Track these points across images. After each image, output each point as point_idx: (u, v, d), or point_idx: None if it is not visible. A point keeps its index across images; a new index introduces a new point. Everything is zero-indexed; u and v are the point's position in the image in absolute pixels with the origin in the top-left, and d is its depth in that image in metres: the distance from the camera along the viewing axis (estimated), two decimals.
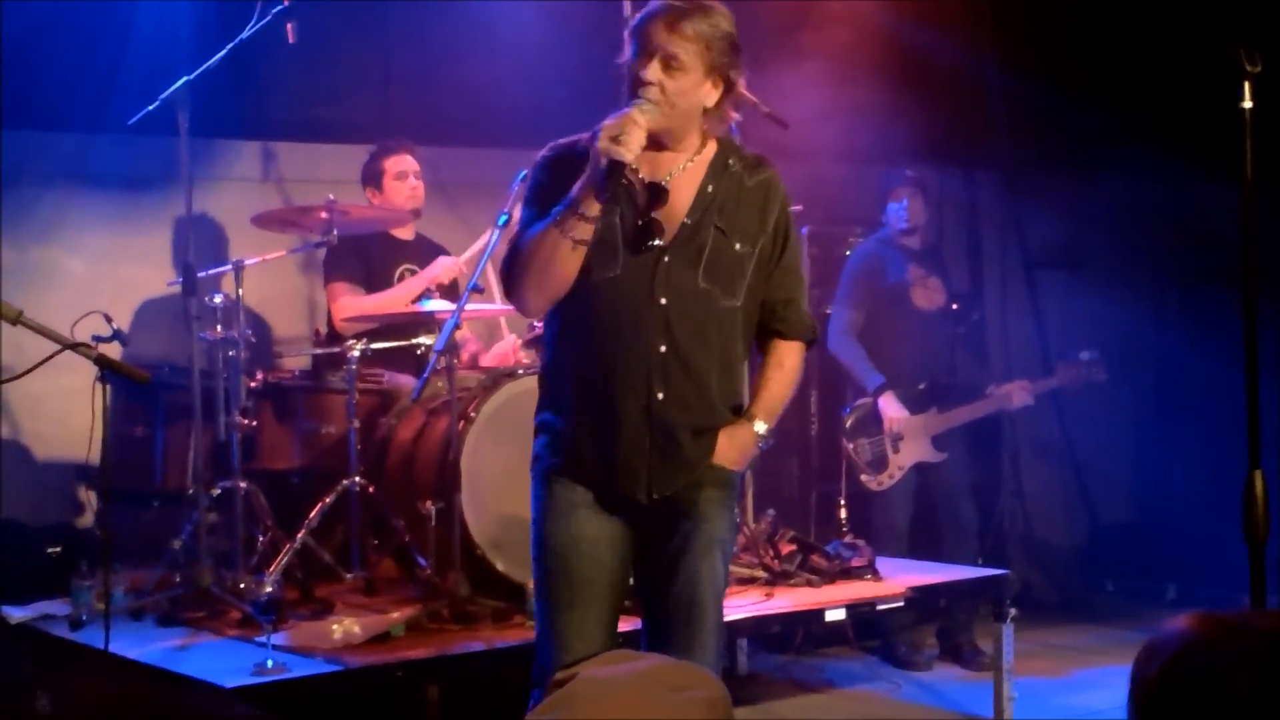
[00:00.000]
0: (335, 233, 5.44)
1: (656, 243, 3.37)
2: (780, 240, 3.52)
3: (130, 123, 5.32)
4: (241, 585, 5.02)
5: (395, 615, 4.83)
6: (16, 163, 6.13)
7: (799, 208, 6.37)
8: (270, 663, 4.31)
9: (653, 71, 3.30)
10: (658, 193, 3.38)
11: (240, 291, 5.33)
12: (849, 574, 5.54)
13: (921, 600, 5.64)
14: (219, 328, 5.27)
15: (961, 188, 8.55)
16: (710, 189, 3.43)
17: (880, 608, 5.45)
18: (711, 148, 3.48)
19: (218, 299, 5.30)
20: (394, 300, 5.80)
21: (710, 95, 3.38)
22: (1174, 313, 8.53)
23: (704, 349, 3.42)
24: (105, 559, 4.70)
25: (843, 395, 6.73)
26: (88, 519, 6.03)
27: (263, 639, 4.45)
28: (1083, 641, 7.00)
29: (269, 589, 4.84)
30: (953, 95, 7.92)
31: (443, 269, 5.89)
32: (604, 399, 3.39)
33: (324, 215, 5.42)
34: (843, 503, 6.63)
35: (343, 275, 5.90)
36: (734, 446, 3.45)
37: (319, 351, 5.62)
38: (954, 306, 6.82)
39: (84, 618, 4.92)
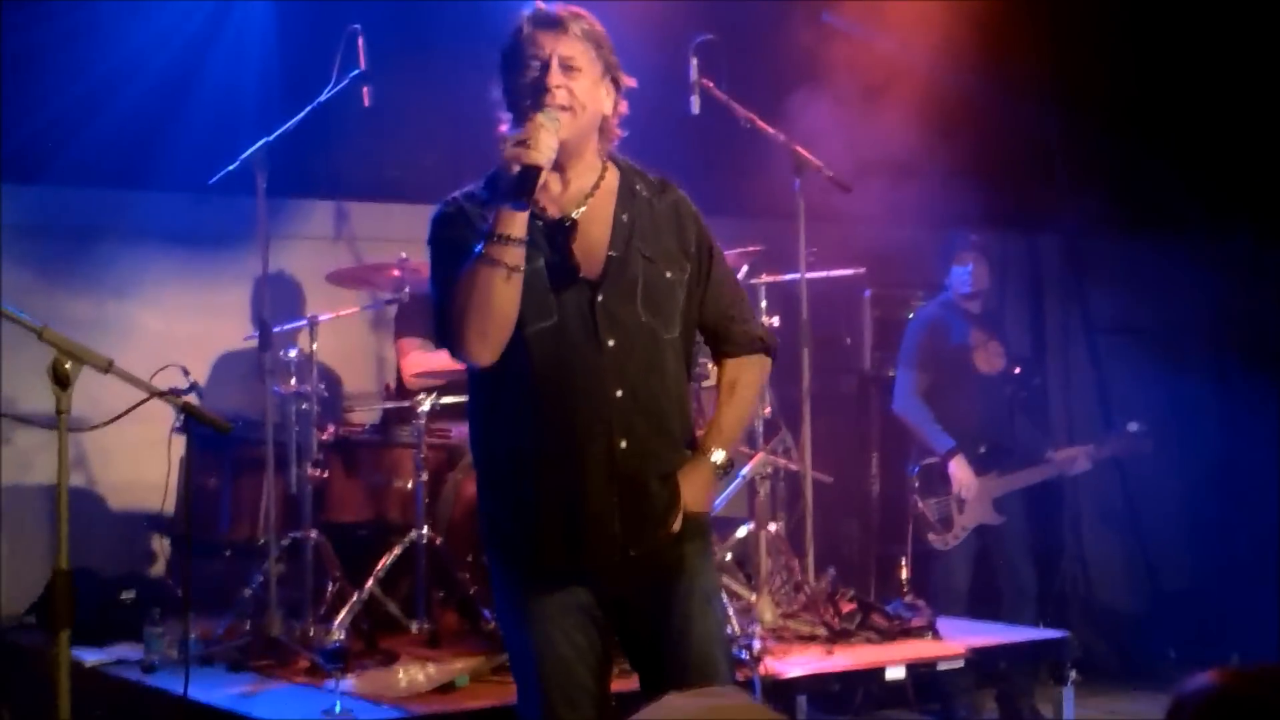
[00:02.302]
0: (407, 290, 5.56)
1: (582, 277, 3.19)
2: (705, 257, 3.35)
3: (210, 182, 5.46)
4: (309, 634, 5.11)
5: (460, 665, 4.90)
6: (96, 220, 6.31)
7: (862, 270, 6.52)
8: (339, 708, 4.39)
9: (555, 76, 3.15)
10: (567, 228, 3.21)
11: (314, 347, 5.45)
12: (909, 633, 5.56)
13: (981, 661, 5.64)
14: (292, 382, 5.39)
15: (1024, 253, 8.60)
16: (625, 217, 3.26)
17: (941, 667, 5.46)
18: (613, 174, 3.33)
19: (292, 354, 5.43)
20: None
21: (607, 100, 3.26)
22: (1236, 379, 8.52)
23: (661, 387, 3.24)
24: (185, 606, 4.79)
25: (905, 455, 6.76)
26: (159, 567, 6.16)
27: (330, 685, 4.54)
28: (1144, 709, 6.95)
29: (336, 638, 4.93)
30: (1016, 160, 7.98)
31: None
32: (561, 459, 3.16)
33: (396, 273, 5.55)
34: (904, 563, 6.65)
35: (413, 332, 6.01)
36: (696, 488, 3.27)
37: (388, 406, 5.74)
38: (1015, 371, 6.86)
39: (155, 663, 5.02)
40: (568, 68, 3.18)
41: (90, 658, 5.14)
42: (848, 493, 7.01)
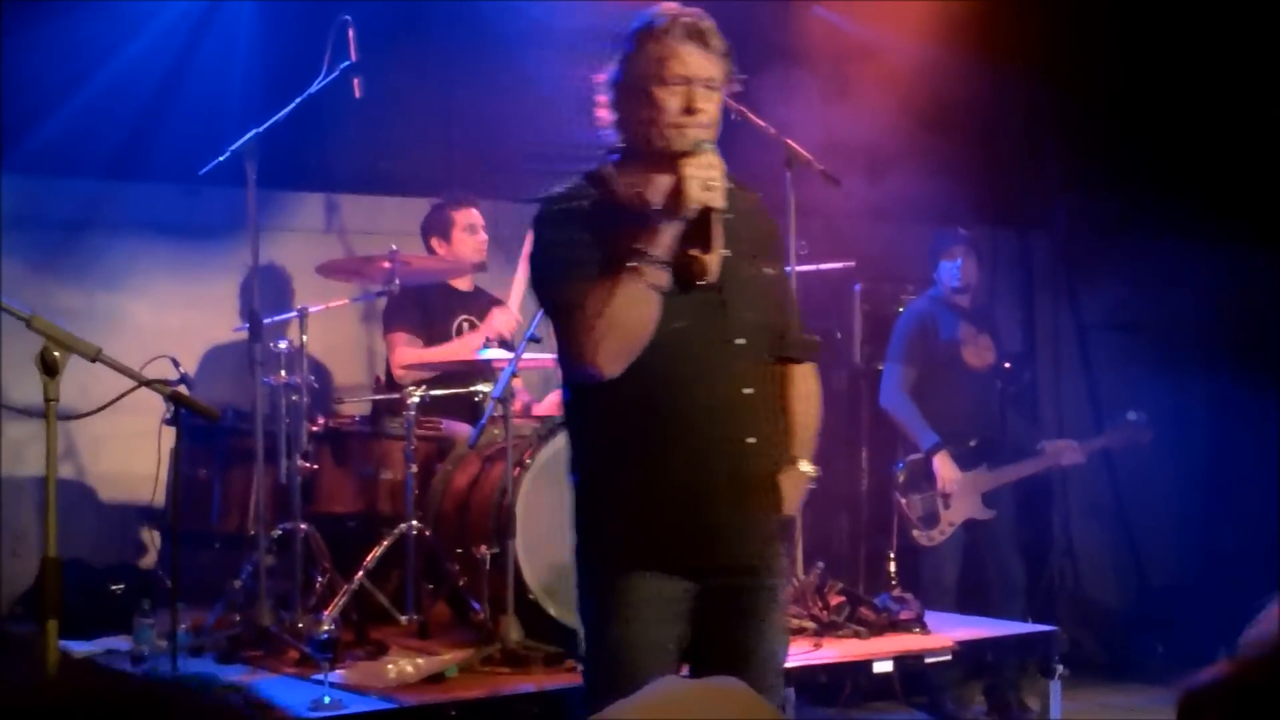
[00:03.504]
0: (397, 282, 5.57)
1: (709, 280, 3.20)
2: (782, 257, 3.45)
3: (201, 173, 5.45)
4: (299, 625, 5.12)
5: (449, 657, 4.92)
6: (86, 210, 6.31)
7: (852, 264, 6.53)
8: (327, 699, 4.40)
9: (704, 99, 3.16)
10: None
11: (304, 338, 5.46)
12: (897, 627, 5.58)
13: (969, 655, 5.66)
14: (282, 373, 5.40)
15: (1017, 248, 8.61)
16: (730, 217, 3.23)
17: (928, 660, 5.48)
18: None
19: (282, 345, 5.43)
20: (453, 352, 5.92)
21: None
22: (1226, 376, 8.53)
23: (774, 385, 3.32)
24: (174, 597, 4.79)
25: (894, 451, 6.78)
26: (150, 558, 6.16)
27: (320, 676, 4.55)
28: (1133, 702, 6.97)
29: (326, 629, 4.94)
30: (1009, 155, 8.00)
31: (502, 322, 6.00)
32: (691, 454, 3.18)
33: (386, 265, 5.56)
34: (892, 557, 6.66)
35: (402, 325, 6.02)
36: (793, 494, 3.31)
37: (378, 398, 5.75)
38: (1005, 365, 6.88)
39: (145, 653, 5.02)
40: (708, 88, 3.20)
41: (80, 648, 5.15)
42: (837, 487, 7.02)
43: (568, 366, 3.24)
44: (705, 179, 3.09)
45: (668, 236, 3.11)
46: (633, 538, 3.21)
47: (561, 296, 3.19)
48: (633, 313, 3.10)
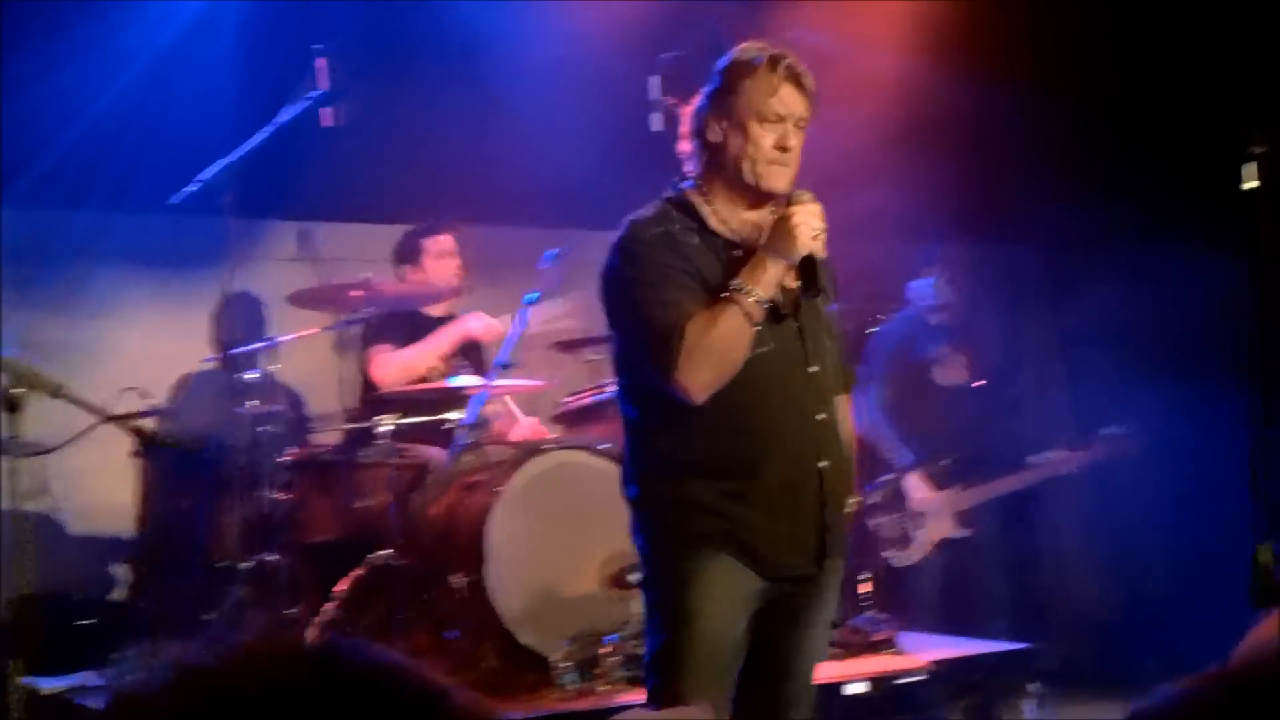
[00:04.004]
0: (372, 310, 5.57)
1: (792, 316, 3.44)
2: (836, 290, 3.63)
3: (171, 202, 5.45)
4: None
5: None
6: (72, 241, 6.31)
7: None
8: None
9: (795, 136, 3.38)
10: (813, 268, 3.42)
11: (276, 368, 5.45)
12: (872, 647, 5.57)
13: (946, 674, 5.65)
14: (255, 402, 5.39)
15: (1001, 264, 8.60)
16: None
17: (900, 681, 5.47)
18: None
19: (255, 375, 5.43)
20: (429, 353, 5.89)
21: None
22: (1213, 390, 8.51)
23: (840, 413, 3.55)
24: (154, 629, 4.78)
25: (872, 471, 6.77)
26: (125, 592, 6.14)
27: None
28: (1120, 716, 6.94)
29: None
30: (990, 169, 7.99)
31: (479, 323, 5.97)
32: (779, 468, 3.37)
33: (359, 294, 5.55)
34: (868, 578, 6.65)
35: (382, 341, 5.97)
36: (848, 519, 3.56)
37: (350, 426, 5.74)
38: (983, 383, 6.87)
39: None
40: (799, 127, 3.41)
41: (49, 685, 5.12)
42: None
43: (650, 384, 3.36)
44: (814, 227, 3.33)
45: (775, 276, 3.31)
46: (721, 529, 3.36)
47: (661, 319, 3.30)
48: (733, 343, 3.29)
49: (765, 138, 3.35)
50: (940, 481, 6.52)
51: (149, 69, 6.38)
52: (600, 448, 5.51)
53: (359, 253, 6.69)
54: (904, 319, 6.80)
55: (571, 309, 6.03)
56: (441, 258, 6.14)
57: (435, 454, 5.74)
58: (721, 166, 3.43)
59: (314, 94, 5.44)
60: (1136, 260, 8.19)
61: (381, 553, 5.36)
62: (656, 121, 5.80)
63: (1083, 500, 8.17)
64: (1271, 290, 3.76)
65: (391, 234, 6.42)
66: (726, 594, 3.36)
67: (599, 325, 6.50)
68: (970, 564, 6.63)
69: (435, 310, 6.20)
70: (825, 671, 5.31)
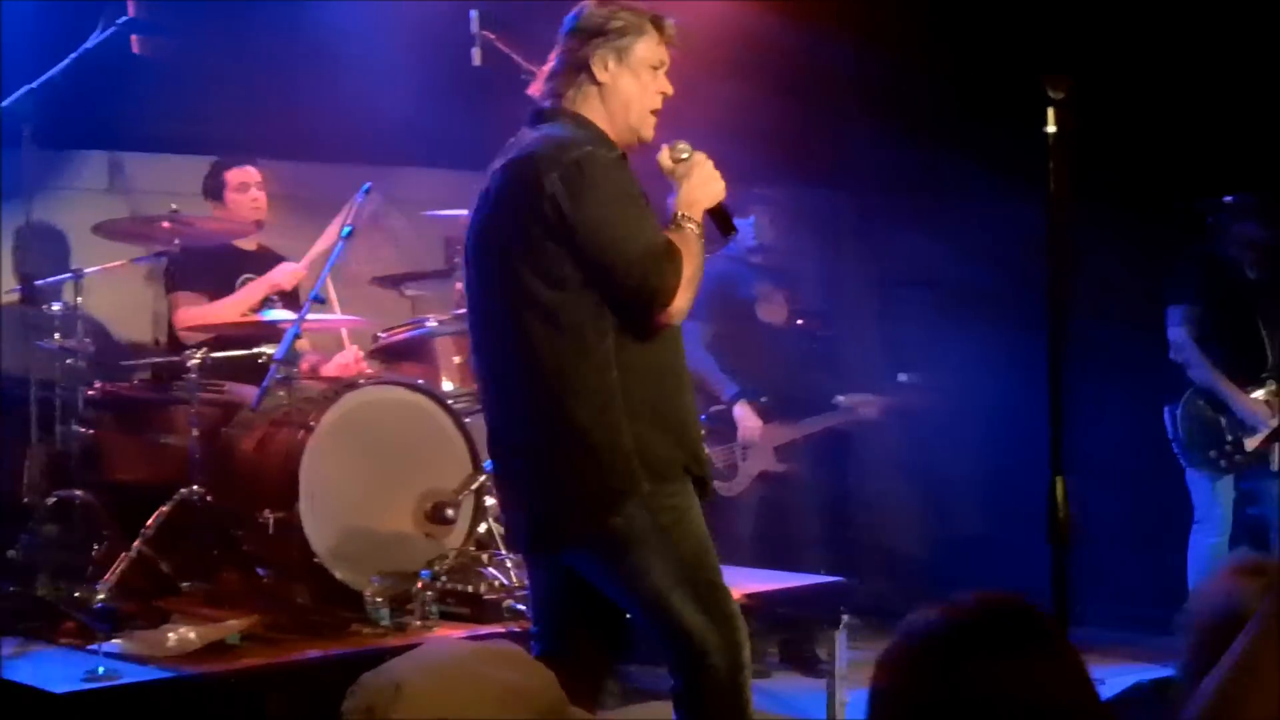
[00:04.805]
0: (178, 243, 5.46)
1: None
2: None
3: None
4: (78, 595, 5.00)
5: (232, 624, 4.84)
6: None
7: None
8: (102, 670, 4.29)
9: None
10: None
11: (80, 300, 5.32)
12: None
13: (759, 608, 5.74)
14: (58, 336, 5.26)
15: (821, 207, 8.70)
16: None
17: None
18: None
19: (56, 307, 5.29)
20: (235, 306, 5.82)
21: None
22: (1023, 334, 8.70)
23: None
24: None
25: (699, 405, 6.83)
26: None
27: (95, 647, 4.45)
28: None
29: (102, 598, 4.84)
30: (811, 114, 8.06)
31: (284, 274, 5.92)
32: (688, 397, 3.61)
33: (166, 226, 5.44)
34: None
35: (184, 285, 5.90)
36: None
37: (158, 361, 5.63)
38: (799, 322, 6.97)
39: None
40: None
41: None
42: None
43: (635, 308, 3.41)
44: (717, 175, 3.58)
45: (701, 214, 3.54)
46: (681, 453, 3.50)
47: (653, 241, 3.39)
48: (701, 269, 3.46)
49: (651, 87, 3.53)
50: (762, 416, 6.61)
51: None
52: (417, 383, 5.49)
53: (173, 186, 6.53)
54: (726, 258, 6.85)
55: (390, 243, 5.99)
56: (243, 190, 6.05)
57: (246, 390, 5.65)
58: (604, 103, 3.52)
59: (122, 20, 5.28)
60: (949, 206, 8.35)
61: (190, 489, 5.27)
62: (476, 56, 5.73)
63: (896, 440, 8.34)
64: (1064, 233, 3.85)
65: (206, 166, 6.29)
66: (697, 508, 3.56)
67: (416, 260, 6.53)
68: (785, 501, 6.74)
69: (246, 244, 6.11)
70: None
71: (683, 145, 3.61)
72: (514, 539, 3.77)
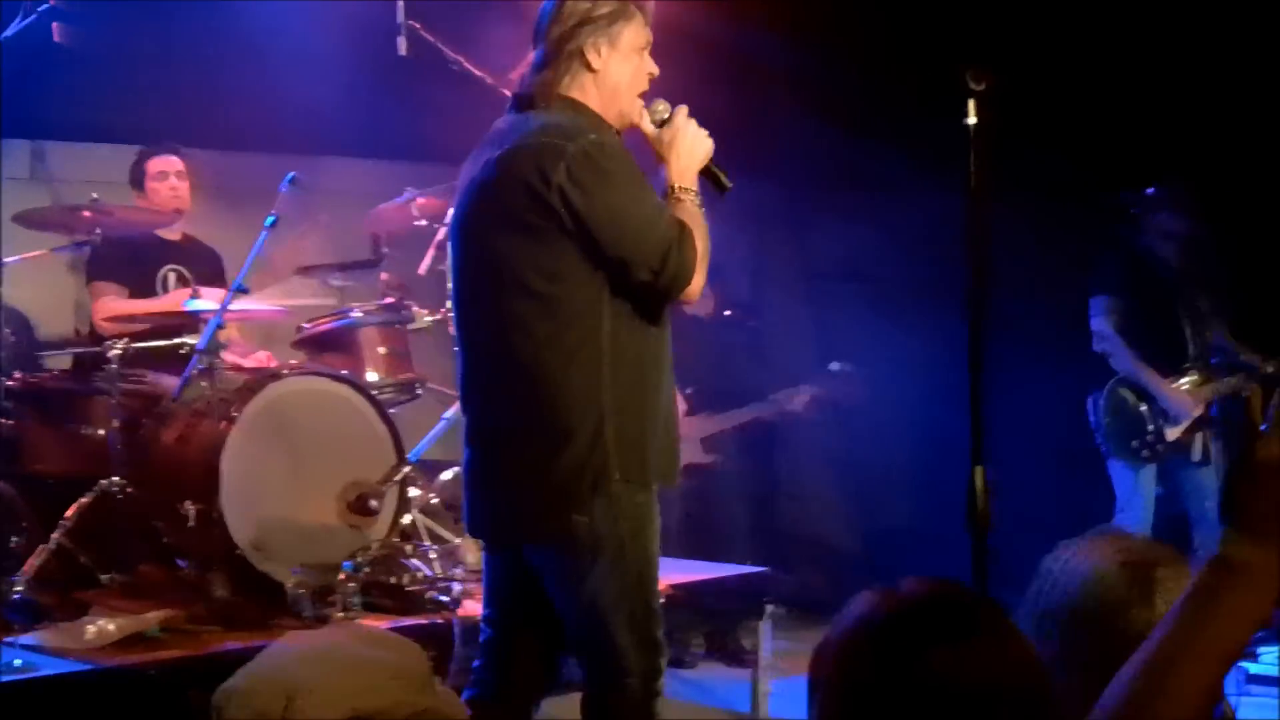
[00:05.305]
0: (99, 232, 5.41)
1: None
2: None
3: None
4: None
5: (151, 616, 4.80)
6: None
7: None
8: (19, 662, 4.25)
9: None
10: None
11: (2, 290, 5.26)
12: None
13: (685, 598, 5.75)
14: None
15: (745, 197, 8.71)
16: None
17: None
18: None
19: None
20: (153, 309, 5.79)
21: None
22: (952, 322, 8.76)
23: None
24: None
25: None
26: None
27: (12, 639, 4.41)
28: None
29: (20, 589, 4.79)
30: (738, 105, 8.07)
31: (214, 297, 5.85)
32: (669, 392, 3.57)
33: (87, 215, 5.39)
34: None
35: (105, 275, 5.86)
36: None
37: (79, 351, 5.58)
38: (727, 314, 6.98)
39: None
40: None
41: None
42: None
43: (652, 295, 3.42)
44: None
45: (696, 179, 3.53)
46: (652, 455, 3.46)
47: (669, 225, 3.38)
48: (708, 237, 3.46)
49: (641, 70, 3.52)
50: (686, 409, 6.63)
51: None
52: (341, 374, 5.46)
53: (96, 175, 6.49)
54: None
55: (315, 233, 5.95)
56: (162, 179, 6.01)
57: (167, 380, 5.61)
58: (598, 90, 3.47)
59: (43, 7, 5.23)
60: (876, 197, 8.39)
61: (110, 481, 5.22)
62: (402, 45, 5.70)
63: (823, 431, 8.38)
64: (984, 225, 3.88)
65: (130, 155, 6.24)
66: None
67: (341, 251, 6.49)
68: (711, 492, 6.75)
69: (170, 234, 6.07)
70: None
71: (661, 105, 3.58)
72: (479, 528, 3.68)
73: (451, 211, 3.67)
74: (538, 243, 3.34)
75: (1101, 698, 1.65)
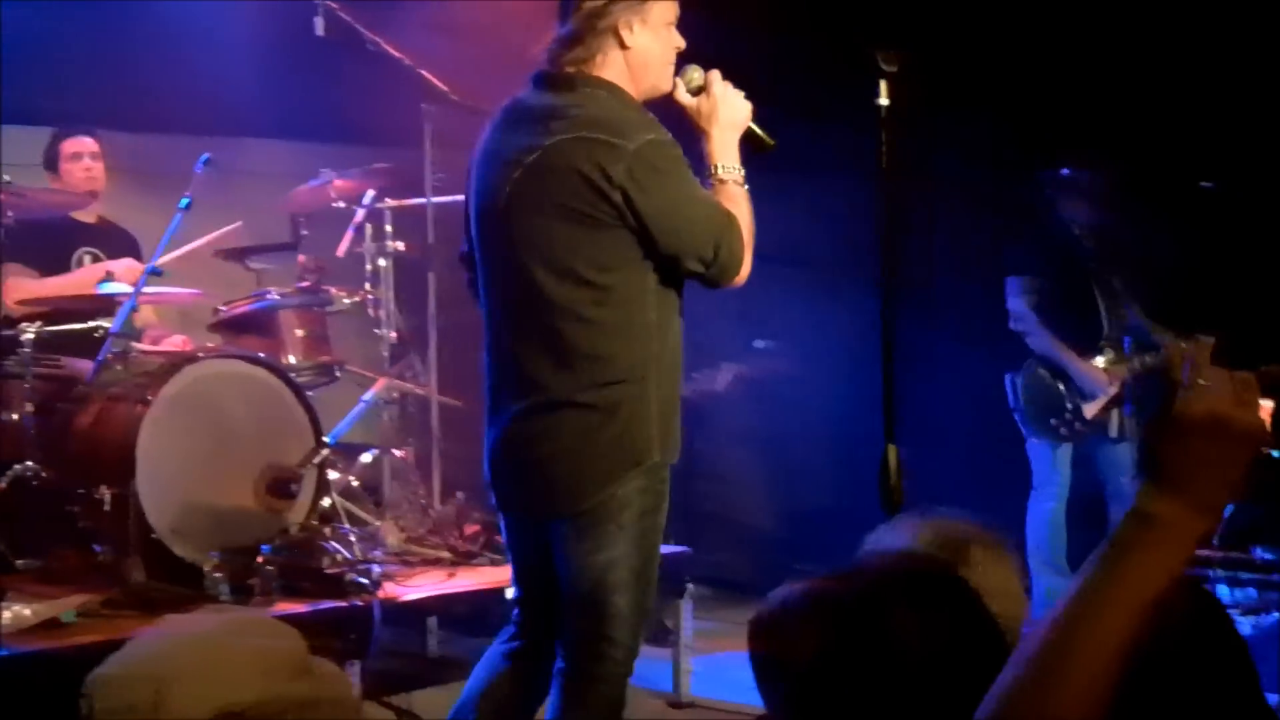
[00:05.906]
0: (11, 215, 5.36)
1: None
2: None
3: None
4: None
5: (67, 601, 4.76)
6: None
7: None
8: None
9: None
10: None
11: None
12: None
13: None
14: None
15: None
16: None
17: None
18: None
19: None
20: (68, 287, 5.72)
21: None
22: (870, 304, 8.80)
23: None
24: None
25: None
26: None
27: None
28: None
29: None
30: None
31: (124, 268, 5.79)
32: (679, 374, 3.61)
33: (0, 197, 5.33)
34: None
35: (15, 257, 5.78)
36: None
37: None
38: None
39: None
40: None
41: None
42: (478, 417, 7.04)
43: (705, 284, 3.55)
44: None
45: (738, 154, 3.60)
46: (667, 436, 3.54)
47: (722, 214, 3.48)
48: (752, 217, 3.59)
49: (670, 45, 3.53)
50: None
51: None
52: (258, 357, 5.43)
53: (10, 157, 6.32)
54: None
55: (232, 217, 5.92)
56: (76, 160, 5.96)
57: (82, 364, 5.55)
58: (629, 66, 3.49)
59: None
60: (795, 177, 8.41)
61: (24, 465, 5.17)
62: (319, 26, 5.68)
63: (743, 411, 8.41)
64: (895, 204, 3.93)
65: (44, 137, 6.17)
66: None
67: (259, 233, 6.45)
68: None
69: (85, 216, 6.01)
70: (487, 577, 5.40)
71: (695, 73, 3.59)
72: (513, 502, 3.69)
73: (472, 178, 3.66)
74: (590, 233, 3.40)
75: (1013, 655, 1.67)
